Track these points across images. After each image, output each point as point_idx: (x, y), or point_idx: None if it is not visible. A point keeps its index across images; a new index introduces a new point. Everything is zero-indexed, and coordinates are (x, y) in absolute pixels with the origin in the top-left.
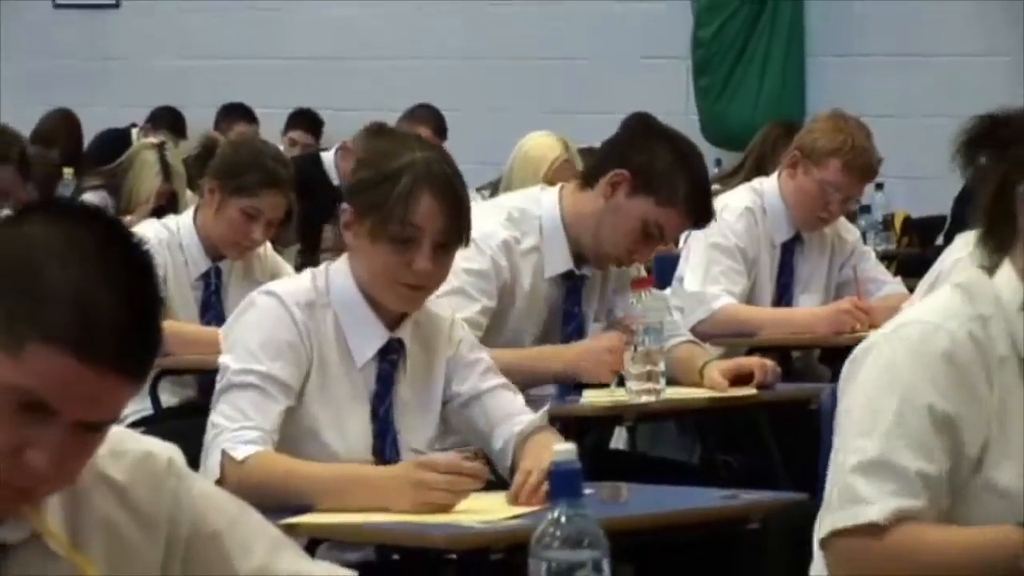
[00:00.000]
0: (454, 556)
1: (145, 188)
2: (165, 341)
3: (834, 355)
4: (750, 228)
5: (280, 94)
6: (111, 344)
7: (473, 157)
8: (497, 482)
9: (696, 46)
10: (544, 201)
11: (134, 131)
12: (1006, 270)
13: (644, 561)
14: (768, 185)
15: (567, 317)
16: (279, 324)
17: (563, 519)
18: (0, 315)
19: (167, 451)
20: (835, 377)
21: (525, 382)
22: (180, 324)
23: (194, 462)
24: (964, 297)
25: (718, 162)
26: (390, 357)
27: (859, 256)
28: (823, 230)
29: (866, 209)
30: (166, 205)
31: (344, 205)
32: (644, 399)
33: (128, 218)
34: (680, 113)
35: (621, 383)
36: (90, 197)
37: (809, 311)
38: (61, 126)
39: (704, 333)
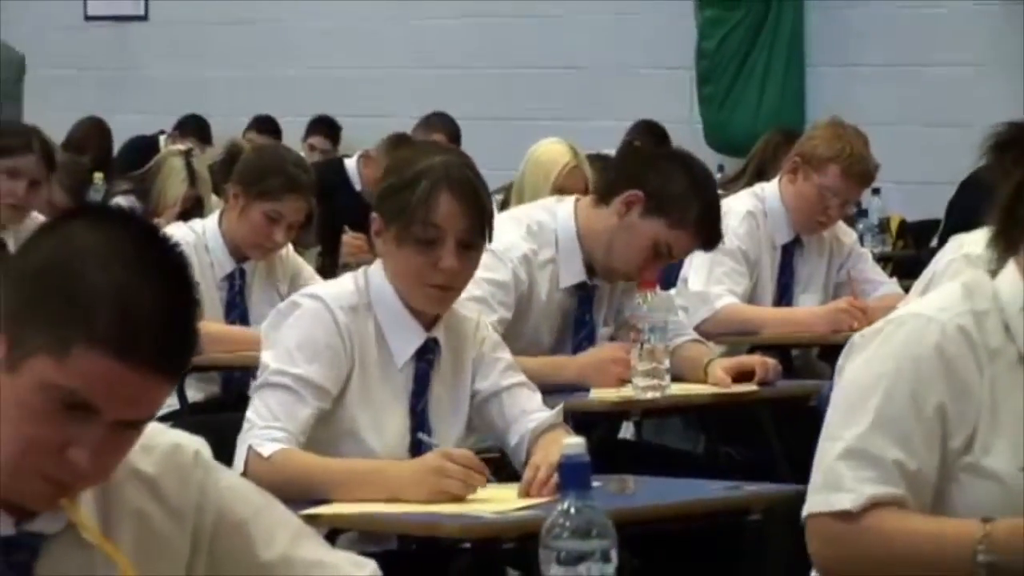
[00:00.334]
0: (468, 545)
1: (172, 193)
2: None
3: (833, 353)
4: (752, 231)
5: (300, 102)
6: (153, 347)
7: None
8: (511, 475)
9: (700, 57)
10: (560, 214)
11: (162, 138)
12: (1010, 269)
13: (650, 551)
14: (769, 190)
15: (578, 325)
16: (320, 327)
17: (572, 510)
18: (45, 319)
19: (194, 444)
20: (833, 374)
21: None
22: (207, 323)
23: (218, 455)
24: (963, 293)
25: (721, 168)
26: (427, 357)
27: (856, 258)
28: (822, 233)
29: (863, 213)
30: (192, 209)
31: (373, 214)
32: (650, 395)
33: (156, 221)
34: (684, 121)
35: (628, 380)
36: (119, 201)
37: (808, 310)
38: (92, 133)
39: (708, 332)
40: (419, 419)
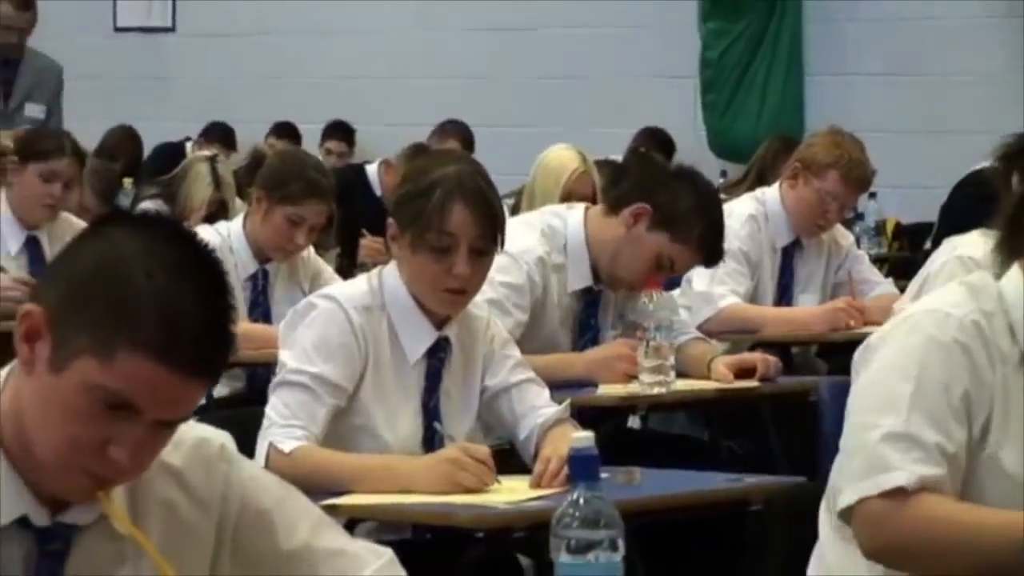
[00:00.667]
0: (481, 534)
1: (198, 196)
2: None
3: (831, 350)
4: (753, 234)
5: (320, 109)
6: (194, 351)
7: (497, 168)
8: (521, 468)
9: (703, 67)
10: (571, 221)
11: (188, 144)
12: (1014, 273)
13: (656, 540)
14: (770, 194)
15: (583, 328)
16: (335, 327)
17: (582, 501)
18: (90, 322)
19: (220, 437)
20: (832, 371)
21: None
22: None
23: (242, 448)
24: (969, 292)
25: (723, 173)
26: (438, 354)
27: (854, 259)
28: (821, 236)
29: (860, 216)
30: (216, 212)
31: (389, 220)
32: (656, 390)
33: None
34: (688, 128)
35: (634, 376)
36: (147, 205)
37: (807, 310)
38: (123, 141)
39: (711, 330)
40: (431, 414)
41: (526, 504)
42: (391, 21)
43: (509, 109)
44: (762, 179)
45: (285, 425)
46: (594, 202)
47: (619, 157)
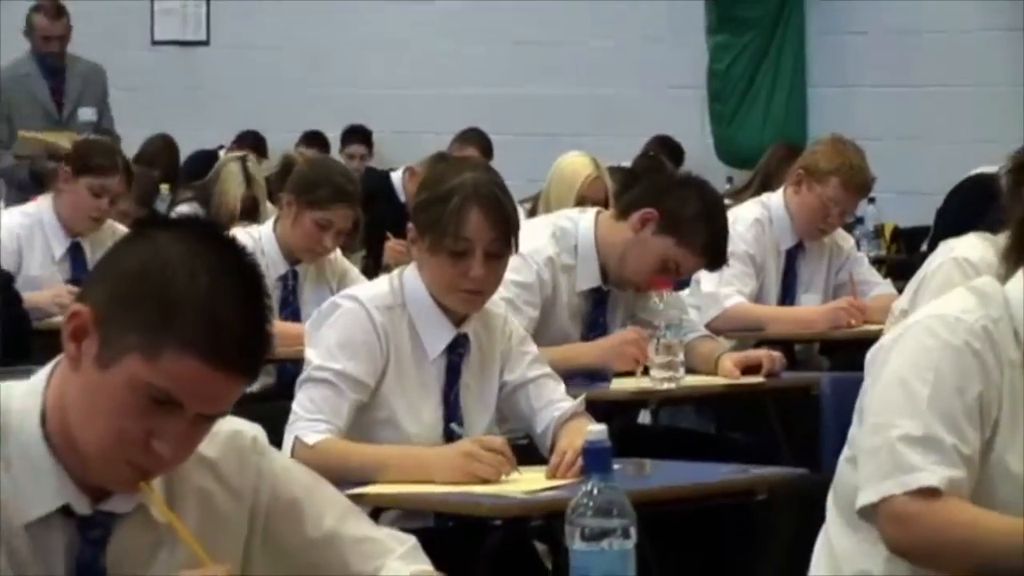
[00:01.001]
0: (500, 522)
1: (231, 195)
2: None
3: (832, 347)
4: (759, 237)
5: (346, 118)
6: (237, 351)
7: (516, 174)
8: (539, 460)
9: (711, 78)
10: (582, 223)
11: (221, 152)
12: (1019, 278)
13: (666, 528)
14: (774, 199)
15: (591, 326)
16: (358, 326)
17: (595, 491)
18: (138, 322)
19: (252, 430)
20: (834, 367)
21: (561, 375)
22: None
23: (273, 440)
24: (977, 298)
25: (730, 179)
26: (457, 351)
27: (854, 261)
28: (823, 239)
29: (860, 220)
30: (250, 209)
31: (409, 224)
32: (666, 386)
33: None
34: (696, 136)
35: (646, 372)
36: (184, 208)
37: (810, 309)
38: (160, 148)
39: (718, 328)
40: (451, 407)
41: (543, 494)
42: (416, 35)
43: (526, 118)
44: (767, 185)
45: (310, 419)
46: (607, 206)
47: (630, 164)
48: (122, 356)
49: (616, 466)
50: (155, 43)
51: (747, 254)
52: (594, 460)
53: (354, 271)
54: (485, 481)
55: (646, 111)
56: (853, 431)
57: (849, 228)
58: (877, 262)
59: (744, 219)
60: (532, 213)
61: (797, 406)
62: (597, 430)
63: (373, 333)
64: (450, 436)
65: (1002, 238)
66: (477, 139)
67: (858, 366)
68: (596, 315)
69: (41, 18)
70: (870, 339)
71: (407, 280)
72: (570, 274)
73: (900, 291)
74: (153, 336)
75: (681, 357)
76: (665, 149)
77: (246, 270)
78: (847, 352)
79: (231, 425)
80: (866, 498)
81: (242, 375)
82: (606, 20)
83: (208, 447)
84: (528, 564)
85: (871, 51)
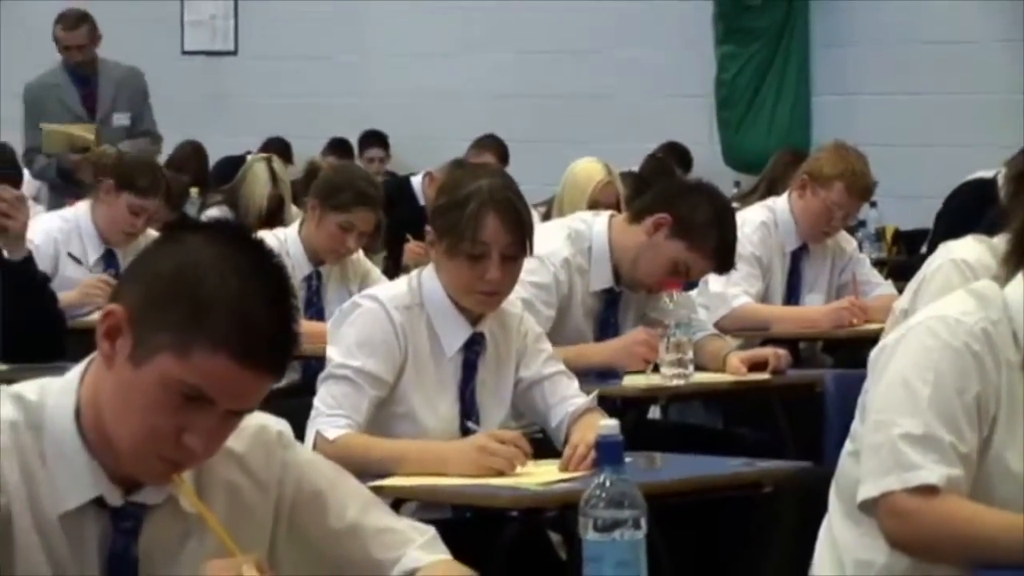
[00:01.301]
0: (516, 513)
1: (258, 194)
2: None
3: (836, 345)
4: (765, 239)
5: (366, 124)
6: (266, 349)
7: (530, 179)
8: (553, 453)
9: (718, 87)
10: (596, 227)
11: (248, 158)
12: (1018, 281)
13: (675, 519)
14: (780, 203)
15: (604, 326)
16: (377, 325)
17: (608, 483)
18: (170, 321)
19: (277, 424)
20: (837, 364)
21: (574, 373)
22: None
23: (297, 434)
24: (977, 301)
25: (737, 184)
26: (474, 348)
27: (856, 262)
28: (826, 241)
29: (862, 223)
30: (276, 210)
31: (427, 227)
32: (675, 382)
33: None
34: (705, 143)
35: (656, 369)
36: (213, 211)
37: (814, 309)
38: (190, 154)
39: (725, 327)
40: (467, 403)
41: (557, 486)
42: (433, 44)
43: (541, 124)
44: (772, 189)
45: (331, 415)
46: (618, 210)
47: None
48: (155, 354)
49: (628, 459)
50: (185, 53)
51: (753, 256)
52: (607, 453)
53: (376, 272)
54: (500, 473)
55: (656, 118)
56: (856, 427)
57: (852, 231)
58: (878, 263)
59: (751, 222)
60: (546, 216)
61: (801, 402)
62: (609, 425)
63: (392, 331)
64: (466, 431)
65: (999, 240)
66: (494, 145)
67: (860, 364)
68: (608, 315)
69: (60, 29)
70: (872, 338)
71: (425, 280)
72: (584, 275)
73: (900, 291)
74: (185, 335)
75: (690, 355)
76: (675, 154)
77: (274, 271)
78: (850, 350)
79: (258, 420)
80: (867, 493)
81: (270, 373)
82: (618, 31)
83: (236, 441)
84: (543, 554)
85: (872, 61)
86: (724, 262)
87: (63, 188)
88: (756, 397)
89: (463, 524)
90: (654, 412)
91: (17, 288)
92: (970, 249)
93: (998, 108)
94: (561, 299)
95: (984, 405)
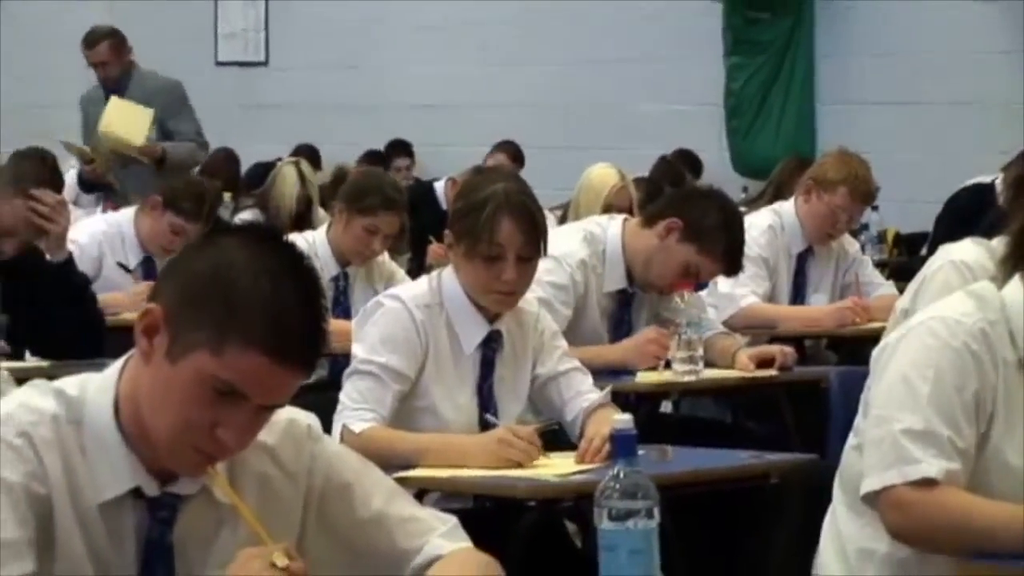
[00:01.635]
0: (533, 504)
1: (287, 195)
2: None
3: (840, 343)
4: (772, 242)
5: (393, 132)
6: (297, 347)
7: (547, 184)
8: (568, 446)
9: (727, 96)
10: (610, 230)
11: (279, 164)
12: (1015, 283)
13: (687, 509)
14: (786, 207)
15: (617, 325)
16: (400, 323)
17: (622, 475)
18: (205, 320)
19: (307, 419)
20: (841, 361)
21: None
22: None
23: (325, 428)
24: (976, 302)
25: (745, 189)
26: (491, 345)
27: (859, 264)
28: (830, 243)
29: (865, 226)
30: (305, 210)
31: (446, 231)
32: (687, 378)
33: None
34: (714, 149)
35: (668, 366)
36: (245, 215)
37: (819, 308)
38: (223, 161)
39: (734, 326)
40: (485, 398)
41: (573, 477)
42: (455, 56)
43: (558, 132)
44: (779, 194)
45: (356, 409)
46: (631, 214)
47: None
48: (190, 351)
49: (640, 452)
50: (218, 64)
51: (761, 257)
52: (621, 446)
53: (400, 272)
54: (518, 465)
55: (668, 126)
56: (859, 421)
57: (855, 234)
58: (880, 265)
59: (758, 225)
60: (563, 220)
61: (807, 397)
62: (623, 419)
63: (413, 329)
64: (485, 424)
65: (996, 242)
66: (509, 148)
67: (863, 361)
68: (623, 314)
69: (83, 47)
70: (874, 336)
71: (445, 281)
72: (599, 276)
73: (901, 291)
74: (219, 333)
75: (701, 352)
76: (686, 161)
77: (304, 272)
78: (853, 348)
79: (288, 414)
80: (869, 486)
81: (301, 369)
82: (632, 44)
83: (267, 435)
84: (559, 542)
85: (875, 71)
86: (733, 264)
87: (90, 192)
88: (763, 392)
89: (483, 513)
90: (666, 406)
91: (58, 288)
92: (969, 251)
93: (994, 116)
94: (577, 299)
95: (982, 402)
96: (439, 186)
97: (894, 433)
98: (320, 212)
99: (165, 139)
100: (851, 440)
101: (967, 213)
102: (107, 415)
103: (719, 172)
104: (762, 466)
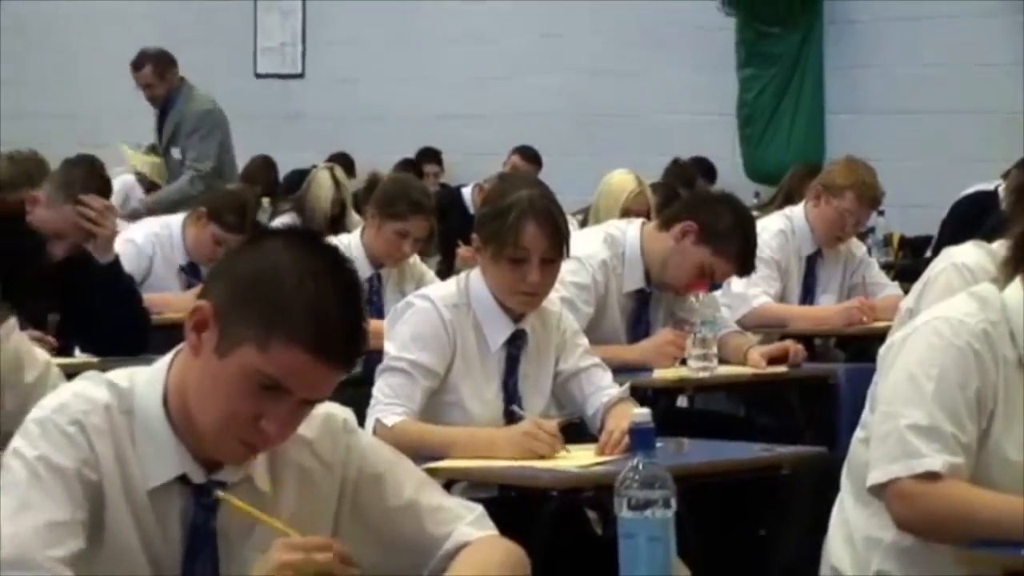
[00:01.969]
0: (556, 493)
1: (322, 199)
2: None
3: (847, 341)
4: (783, 245)
5: (421, 141)
6: (339, 345)
7: (568, 189)
8: (589, 438)
9: (740, 106)
10: (629, 233)
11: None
12: (1016, 285)
13: (702, 499)
14: (796, 212)
15: (636, 322)
16: (429, 322)
17: (640, 466)
18: (252, 317)
19: (342, 412)
20: (848, 359)
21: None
22: None
23: (360, 422)
24: (978, 303)
25: (757, 194)
26: (516, 344)
27: (866, 266)
28: (839, 246)
29: (871, 230)
30: (340, 213)
31: (473, 234)
32: (702, 374)
33: None
34: (728, 157)
35: (684, 362)
36: (283, 219)
37: (827, 308)
38: (262, 168)
39: (746, 325)
40: (511, 393)
41: (594, 468)
42: (484, 70)
43: (579, 140)
44: (789, 199)
45: (388, 403)
46: (649, 218)
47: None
48: (237, 346)
49: (658, 444)
50: (258, 76)
51: (772, 259)
52: (639, 439)
53: (430, 274)
54: (541, 457)
55: (685, 134)
56: (866, 415)
57: (862, 237)
58: (886, 267)
59: (770, 229)
60: (583, 224)
61: (816, 393)
62: (642, 413)
63: (442, 328)
64: (510, 418)
65: (997, 245)
66: (525, 152)
67: (870, 358)
68: (641, 313)
69: (131, 69)
70: (880, 335)
71: (472, 282)
72: (619, 277)
73: (906, 292)
74: (266, 330)
75: (715, 350)
76: (701, 167)
77: (346, 274)
78: (860, 346)
79: (325, 408)
80: (876, 478)
81: (341, 366)
82: (650, 56)
83: (306, 428)
84: (581, 530)
85: (881, 82)
86: (745, 266)
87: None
88: (775, 388)
89: (508, 502)
90: (682, 401)
91: (105, 288)
92: (970, 254)
93: (995, 126)
94: (598, 298)
95: (983, 399)
96: (467, 192)
97: (900, 428)
98: (354, 216)
99: (182, 158)
100: (858, 433)
101: (969, 218)
102: (156, 406)
103: (733, 178)
104: (773, 458)
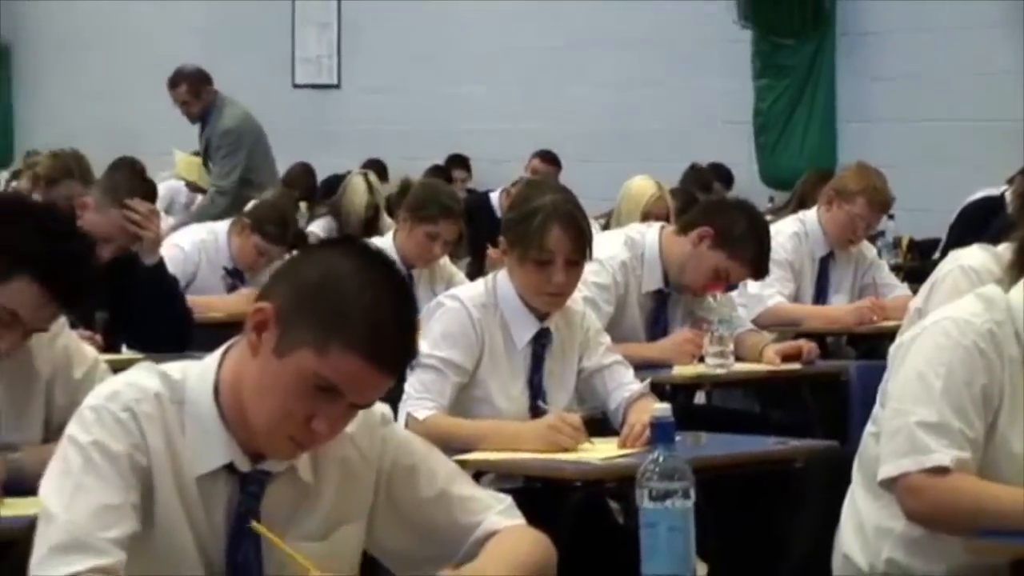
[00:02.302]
0: (580, 484)
1: (357, 203)
2: None
3: (858, 340)
4: (797, 247)
5: (451, 149)
6: (393, 353)
7: (591, 194)
8: (612, 432)
9: (756, 115)
10: (648, 236)
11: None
12: (1020, 286)
13: (719, 490)
14: (810, 216)
15: (655, 322)
16: (458, 321)
17: (661, 458)
18: (313, 323)
19: (379, 407)
20: (859, 356)
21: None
22: None
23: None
24: (984, 303)
25: (771, 199)
26: (541, 342)
27: (876, 268)
28: (850, 249)
29: (881, 233)
30: (374, 216)
31: (500, 237)
32: (719, 371)
33: None
34: (744, 163)
35: (701, 360)
36: (319, 222)
37: (839, 308)
38: (300, 174)
39: (761, 324)
40: (536, 388)
41: (616, 461)
42: (511, 81)
43: (601, 147)
44: (803, 204)
45: (419, 398)
46: (668, 222)
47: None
48: (296, 349)
49: (677, 438)
50: (295, 87)
51: (787, 261)
52: (660, 433)
53: (460, 275)
54: (566, 450)
55: (703, 142)
56: (876, 411)
57: (872, 240)
58: (895, 269)
59: (784, 232)
60: (605, 227)
61: (828, 389)
62: (662, 408)
63: (471, 326)
64: (535, 412)
65: (1002, 248)
66: (545, 155)
67: (880, 356)
68: (659, 313)
69: (168, 86)
70: (890, 333)
71: (499, 283)
72: (638, 278)
73: (915, 293)
74: (325, 335)
75: (731, 347)
76: (718, 173)
77: (401, 286)
78: (871, 344)
79: None
80: (886, 472)
81: (392, 373)
82: (669, 67)
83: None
84: (604, 520)
85: (891, 92)
86: (760, 268)
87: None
88: (789, 384)
89: (534, 493)
90: (699, 397)
91: (151, 289)
92: (976, 256)
93: (1001, 133)
94: (619, 298)
95: (989, 396)
96: (494, 196)
97: (910, 425)
98: (387, 219)
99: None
100: (869, 428)
101: (976, 222)
102: (207, 397)
103: (748, 184)
104: (787, 451)
